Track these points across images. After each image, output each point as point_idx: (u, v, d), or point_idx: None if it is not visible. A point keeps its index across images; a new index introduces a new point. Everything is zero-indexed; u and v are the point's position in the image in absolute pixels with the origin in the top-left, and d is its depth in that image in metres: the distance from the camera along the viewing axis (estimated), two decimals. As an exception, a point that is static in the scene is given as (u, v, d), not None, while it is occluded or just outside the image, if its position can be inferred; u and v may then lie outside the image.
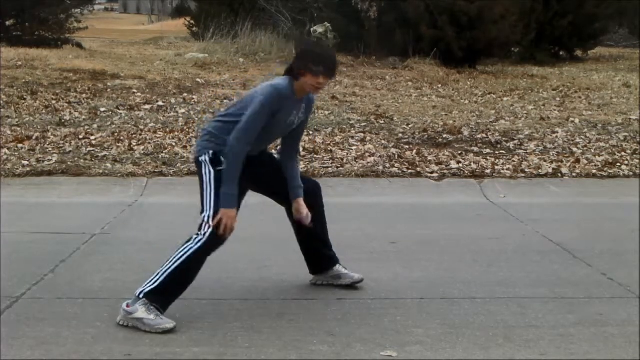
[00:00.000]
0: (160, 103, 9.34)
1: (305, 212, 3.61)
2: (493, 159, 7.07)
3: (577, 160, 7.10)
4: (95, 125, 7.90)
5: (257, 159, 3.49)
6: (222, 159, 3.31)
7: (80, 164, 6.41)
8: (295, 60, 3.39)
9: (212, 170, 3.33)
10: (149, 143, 7.20)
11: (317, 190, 3.75)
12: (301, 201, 3.61)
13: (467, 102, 10.67)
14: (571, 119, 9.29)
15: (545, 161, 7.05)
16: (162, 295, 3.26)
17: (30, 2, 15.92)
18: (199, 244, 3.29)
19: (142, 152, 6.90)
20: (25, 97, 9.24)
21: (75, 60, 12.47)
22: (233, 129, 3.30)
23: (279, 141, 3.74)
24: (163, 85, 10.76)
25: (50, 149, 6.86)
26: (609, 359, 3.03)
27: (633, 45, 22.41)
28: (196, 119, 8.46)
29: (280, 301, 3.59)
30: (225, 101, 9.69)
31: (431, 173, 6.58)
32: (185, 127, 7.94)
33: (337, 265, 3.81)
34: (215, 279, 3.81)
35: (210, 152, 3.35)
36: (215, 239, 3.31)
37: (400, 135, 8.02)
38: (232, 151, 3.27)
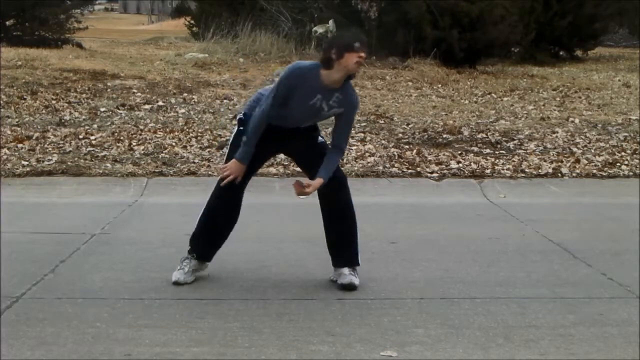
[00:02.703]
0: (160, 103, 9.34)
1: (305, 185, 3.60)
2: (493, 159, 7.07)
3: (577, 160, 7.10)
4: (95, 125, 7.90)
5: (298, 133, 3.74)
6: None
7: (80, 164, 6.41)
8: (328, 49, 3.57)
9: (236, 129, 3.79)
10: (149, 143, 7.20)
11: (336, 190, 3.77)
12: (317, 180, 3.63)
13: (467, 102, 10.67)
14: (571, 119, 9.30)
15: (545, 161, 7.05)
16: (194, 242, 3.80)
17: (30, 2, 15.93)
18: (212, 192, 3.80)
19: (142, 152, 6.90)
20: (25, 97, 9.23)
21: (75, 60, 12.46)
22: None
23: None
24: (163, 85, 10.75)
25: (50, 149, 6.86)
26: (609, 359, 3.03)
27: (633, 45, 22.42)
28: (196, 119, 8.46)
29: (280, 301, 3.59)
30: (225, 101, 9.69)
31: (431, 173, 6.58)
32: (185, 127, 7.94)
33: (345, 267, 3.83)
34: (215, 279, 3.81)
35: (242, 113, 3.78)
36: (218, 187, 3.72)
37: (400, 135, 8.02)
38: (253, 116, 3.66)
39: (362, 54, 3.58)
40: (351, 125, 3.78)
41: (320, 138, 3.85)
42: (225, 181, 3.67)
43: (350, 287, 3.74)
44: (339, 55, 3.52)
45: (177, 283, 3.74)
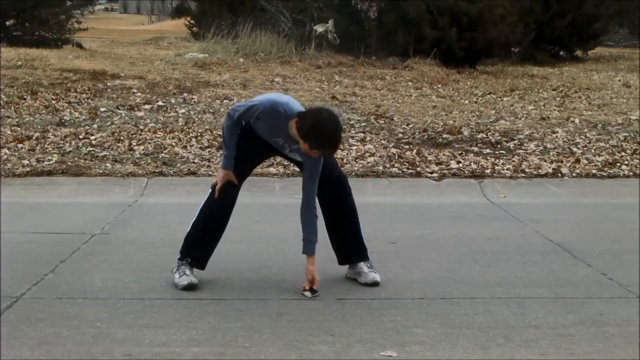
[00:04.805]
0: (160, 103, 9.34)
1: (310, 277, 3.63)
2: (493, 159, 7.07)
3: (577, 160, 7.10)
4: (95, 125, 7.90)
5: None
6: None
7: (80, 164, 6.41)
8: (304, 125, 3.40)
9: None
10: (149, 143, 7.20)
11: (340, 185, 3.81)
12: (311, 260, 3.65)
13: (467, 102, 10.67)
14: (571, 119, 9.30)
15: (545, 161, 7.05)
16: (186, 246, 3.75)
17: (30, 2, 15.95)
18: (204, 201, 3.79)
19: (142, 152, 6.90)
20: (25, 97, 9.23)
21: (75, 60, 12.47)
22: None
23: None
24: (163, 85, 10.75)
25: (50, 149, 6.86)
26: (609, 359, 3.03)
27: (633, 45, 22.42)
28: (196, 119, 8.46)
29: (280, 301, 3.59)
30: (225, 101, 9.69)
31: (431, 173, 6.58)
32: (185, 127, 7.94)
33: (362, 263, 3.87)
34: (215, 279, 3.81)
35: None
36: (211, 196, 3.74)
37: (400, 135, 8.02)
38: (224, 124, 3.75)
39: (317, 155, 3.49)
40: (315, 177, 3.63)
41: None
42: (217, 192, 3.69)
43: (375, 285, 3.78)
44: (304, 138, 3.40)
45: (192, 285, 3.66)
